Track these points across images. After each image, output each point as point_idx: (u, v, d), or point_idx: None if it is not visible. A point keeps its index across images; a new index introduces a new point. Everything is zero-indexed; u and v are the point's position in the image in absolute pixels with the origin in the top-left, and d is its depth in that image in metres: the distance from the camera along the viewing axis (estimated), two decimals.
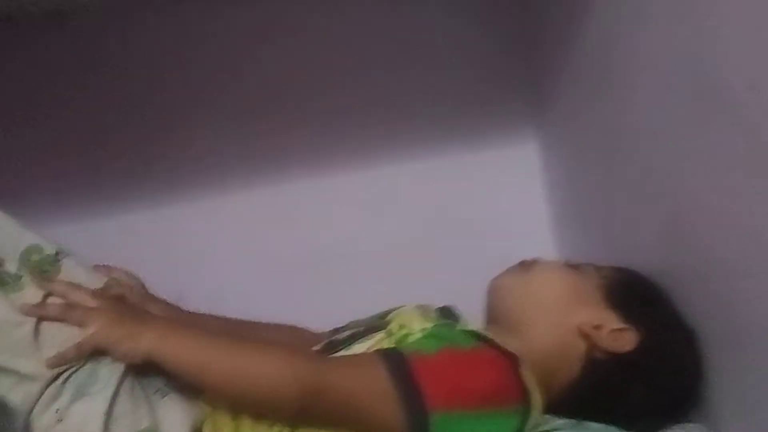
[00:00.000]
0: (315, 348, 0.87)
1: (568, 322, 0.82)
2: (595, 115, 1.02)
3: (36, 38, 1.17)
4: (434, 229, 1.22)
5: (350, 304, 0.91)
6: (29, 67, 1.18)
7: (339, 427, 0.73)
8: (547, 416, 0.78)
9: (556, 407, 0.79)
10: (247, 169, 1.23)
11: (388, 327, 0.82)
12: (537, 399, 0.75)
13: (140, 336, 0.71)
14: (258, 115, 1.22)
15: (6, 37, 1.14)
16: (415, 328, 0.80)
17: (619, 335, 0.81)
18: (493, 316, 0.89)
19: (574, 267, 0.89)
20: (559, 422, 0.79)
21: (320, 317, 0.94)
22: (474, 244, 1.20)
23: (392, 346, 0.78)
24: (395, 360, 0.73)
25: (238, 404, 0.74)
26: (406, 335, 0.79)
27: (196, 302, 0.93)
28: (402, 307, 0.88)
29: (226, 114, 1.22)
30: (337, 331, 0.92)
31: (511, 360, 0.74)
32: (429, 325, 0.80)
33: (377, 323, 0.86)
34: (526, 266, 0.90)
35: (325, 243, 1.22)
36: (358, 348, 0.81)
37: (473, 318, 0.88)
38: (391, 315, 0.88)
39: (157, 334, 0.72)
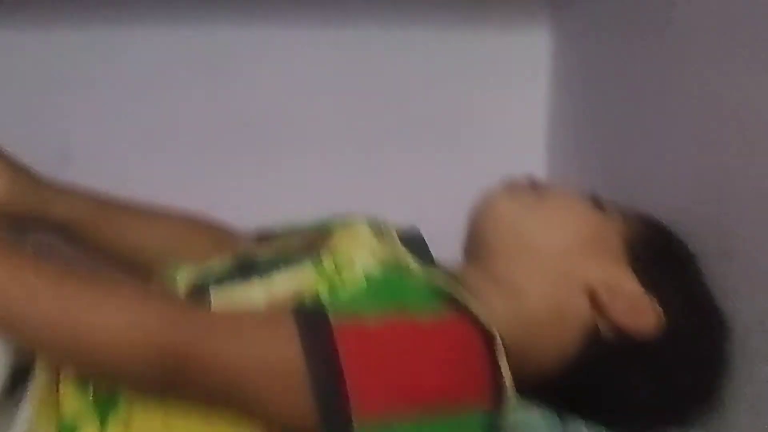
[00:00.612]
0: (220, 260, 0.63)
1: (576, 274, 0.62)
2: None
3: None
4: (410, 111, 1.00)
5: (292, 197, 0.78)
6: None
7: (222, 412, 0.51)
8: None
9: (527, 389, 0.59)
10: None
11: (320, 258, 0.59)
12: (511, 396, 0.54)
13: None
14: None
15: None
16: (358, 265, 0.57)
17: (637, 305, 0.61)
18: (475, 249, 0.67)
19: (597, 204, 0.68)
20: (529, 415, 0.61)
21: (246, 210, 0.74)
22: (456, 136, 0.99)
23: (319, 293, 0.55)
24: (316, 329, 0.49)
25: (72, 366, 0.52)
26: (343, 278, 0.56)
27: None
28: (350, 220, 0.68)
29: None
30: (263, 236, 0.71)
31: (487, 341, 0.52)
32: (377, 265, 0.57)
33: (311, 242, 0.65)
34: (538, 191, 0.68)
35: (266, 110, 0.98)
36: (281, 279, 0.58)
37: (447, 252, 0.65)
38: (333, 229, 0.66)
39: None
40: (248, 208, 0.76)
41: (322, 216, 0.70)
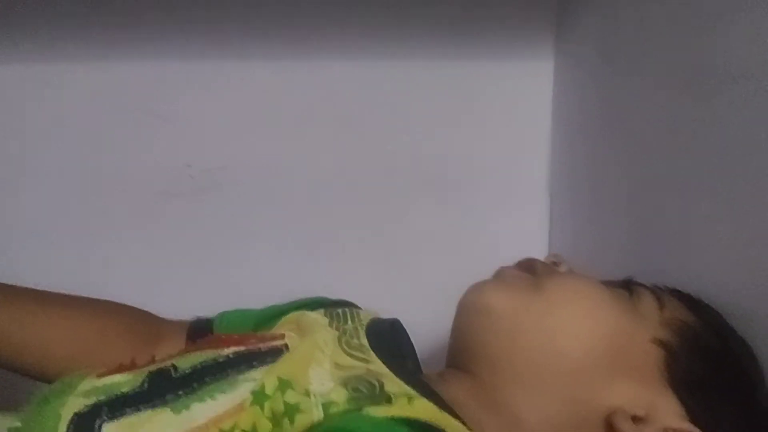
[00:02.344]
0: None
1: (590, 397, 0.48)
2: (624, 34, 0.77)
3: None
4: (406, 146, 0.94)
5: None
6: None
7: None
8: None
9: None
10: None
11: (260, 381, 0.45)
12: None
13: None
14: None
15: None
16: (312, 398, 0.43)
17: None
18: (462, 356, 0.53)
19: (618, 287, 0.54)
20: None
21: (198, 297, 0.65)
22: (448, 178, 0.94)
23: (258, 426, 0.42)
24: None
25: None
26: (293, 410, 0.43)
27: None
28: (305, 315, 0.56)
29: None
30: (199, 330, 0.60)
31: None
32: (337, 390, 0.44)
33: (253, 344, 0.50)
34: (536, 276, 0.55)
35: (226, 153, 0.89)
36: (200, 409, 0.44)
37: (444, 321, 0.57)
38: (281, 325, 0.55)
39: None
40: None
41: (274, 304, 0.62)
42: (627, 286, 0.55)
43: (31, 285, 0.57)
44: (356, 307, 0.60)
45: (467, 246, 0.90)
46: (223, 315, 0.62)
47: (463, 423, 0.44)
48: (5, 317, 0.52)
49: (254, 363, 0.47)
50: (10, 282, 0.55)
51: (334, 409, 0.43)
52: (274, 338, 0.51)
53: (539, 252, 0.90)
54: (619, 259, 0.76)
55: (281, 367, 0.46)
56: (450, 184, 0.93)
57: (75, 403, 0.45)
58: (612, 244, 0.79)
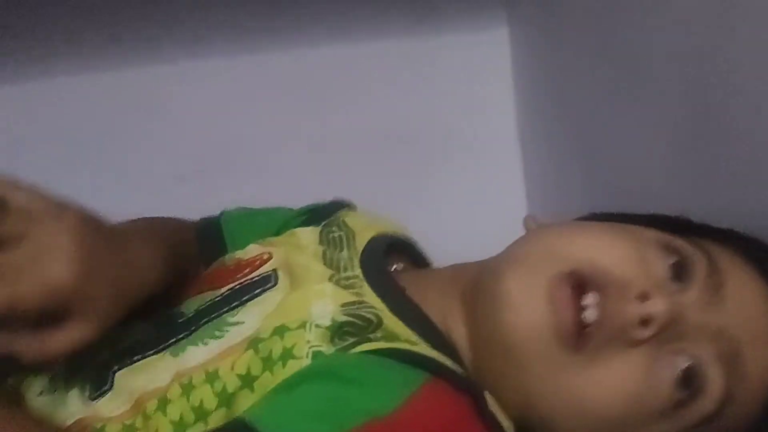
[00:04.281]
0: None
1: None
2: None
3: None
4: (369, 126, 0.97)
5: None
6: None
7: None
8: None
9: None
10: None
11: (259, 329, 0.46)
12: (508, 426, 0.47)
13: None
14: None
15: None
16: (307, 340, 0.45)
17: None
18: (484, 348, 0.48)
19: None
20: None
21: None
22: (421, 151, 0.97)
23: (254, 374, 0.44)
24: None
25: None
26: (286, 356, 0.44)
27: None
28: (298, 224, 0.57)
29: None
30: (206, 236, 0.61)
31: (472, 395, 0.44)
32: (328, 316, 0.46)
33: (257, 273, 0.51)
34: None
35: (228, 138, 0.94)
36: (194, 353, 0.46)
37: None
38: (279, 239, 0.55)
39: None
40: None
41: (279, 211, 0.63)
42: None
43: None
44: (352, 211, 0.60)
45: (449, 204, 0.93)
46: (230, 220, 0.63)
47: (457, 362, 0.46)
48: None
49: (245, 299, 0.49)
50: None
51: (321, 359, 0.44)
52: (263, 262, 0.52)
53: (517, 203, 0.95)
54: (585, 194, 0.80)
55: (279, 313, 0.48)
56: (427, 150, 0.97)
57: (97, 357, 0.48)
58: (579, 183, 0.83)
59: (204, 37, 0.95)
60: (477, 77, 0.99)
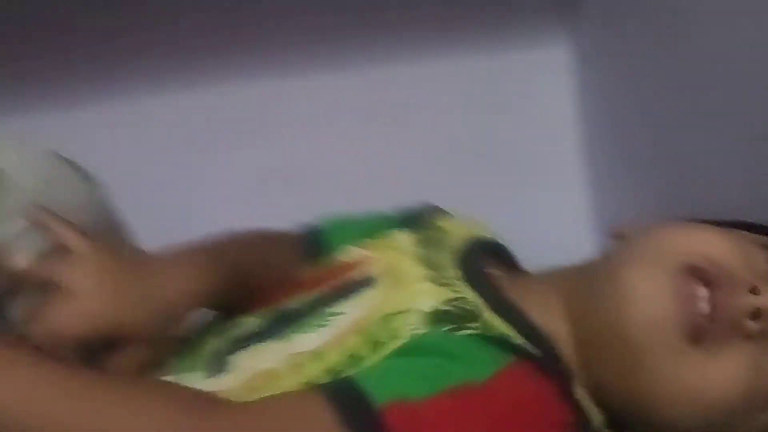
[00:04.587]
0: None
1: None
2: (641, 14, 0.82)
3: None
4: (446, 142, 1.02)
5: None
6: None
7: None
8: None
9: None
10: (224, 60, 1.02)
11: (364, 317, 0.51)
12: (596, 419, 0.51)
13: None
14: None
15: None
16: (410, 323, 0.49)
17: None
18: (595, 344, 0.51)
19: None
20: None
21: None
22: (489, 166, 1.01)
23: (362, 355, 0.49)
24: (360, 418, 0.42)
25: None
26: (391, 337, 0.49)
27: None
28: (394, 227, 0.62)
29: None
30: (312, 246, 0.66)
31: (559, 383, 0.47)
32: (430, 305, 0.50)
33: (357, 272, 0.56)
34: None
35: (312, 154, 1.01)
36: (302, 340, 0.52)
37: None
38: (377, 242, 0.60)
39: None
40: None
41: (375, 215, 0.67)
42: None
43: None
44: (447, 217, 0.64)
45: (515, 220, 0.97)
46: (332, 229, 0.68)
47: (550, 352, 0.50)
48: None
49: (348, 294, 0.55)
50: None
51: (425, 336, 0.49)
52: (363, 263, 0.58)
53: (582, 215, 0.98)
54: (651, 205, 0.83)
55: (382, 305, 0.52)
56: (496, 164, 1.01)
57: (210, 343, 0.56)
58: (644, 195, 0.86)
59: (283, 58, 1.01)
60: (541, 93, 1.03)
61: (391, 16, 1.00)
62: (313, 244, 0.67)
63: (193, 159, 1.02)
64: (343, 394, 0.44)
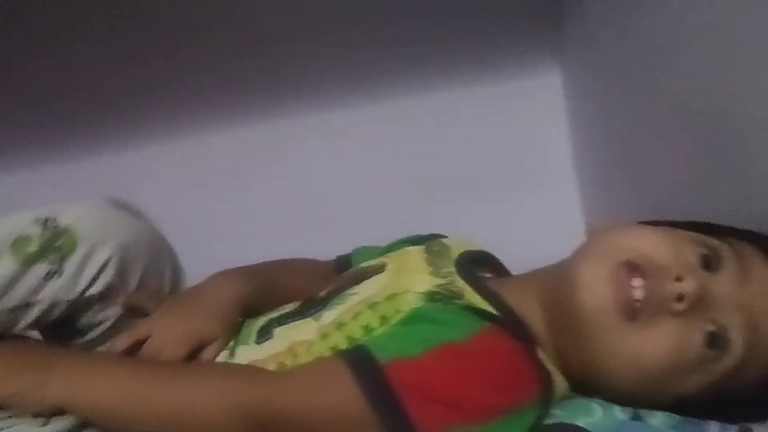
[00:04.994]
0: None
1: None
2: (623, 33, 0.93)
3: None
4: (448, 167, 1.15)
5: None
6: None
7: None
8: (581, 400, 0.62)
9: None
10: (243, 103, 1.16)
11: (374, 295, 0.65)
12: (560, 383, 0.62)
13: (44, 386, 0.59)
14: (257, 43, 1.13)
15: None
16: (409, 300, 0.62)
17: None
18: (559, 322, 0.63)
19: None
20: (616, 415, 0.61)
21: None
22: (493, 185, 1.14)
23: (373, 327, 0.62)
24: (369, 374, 0.55)
25: None
26: (395, 312, 0.62)
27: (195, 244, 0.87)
28: (408, 245, 0.74)
29: (218, 48, 1.13)
30: (341, 266, 0.81)
31: (524, 346, 0.59)
32: (424, 296, 0.63)
33: (366, 272, 0.70)
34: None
35: (329, 183, 1.14)
36: (328, 315, 0.66)
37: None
38: (392, 254, 0.73)
39: (66, 380, 0.59)
40: None
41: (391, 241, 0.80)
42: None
43: None
44: (445, 238, 0.76)
45: (519, 225, 1.08)
46: (358, 252, 0.83)
47: (520, 324, 0.61)
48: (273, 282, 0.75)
49: (362, 280, 0.69)
50: None
51: (417, 310, 0.62)
52: (378, 265, 0.71)
53: (575, 223, 1.06)
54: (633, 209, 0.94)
55: (389, 286, 0.66)
56: (497, 182, 1.14)
57: (261, 320, 0.70)
58: (628, 201, 0.96)
59: (312, 95, 1.15)
60: (534, 117, 1.16)
61: (398, 57, 1.14)
62: (342, 263, 0.82)
63: (229, 193, 1.15)
64: (356, 357, 0.57)
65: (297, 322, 0.67)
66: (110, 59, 1.12)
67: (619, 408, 0.60)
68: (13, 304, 0.63)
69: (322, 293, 0.71)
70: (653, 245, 0.61)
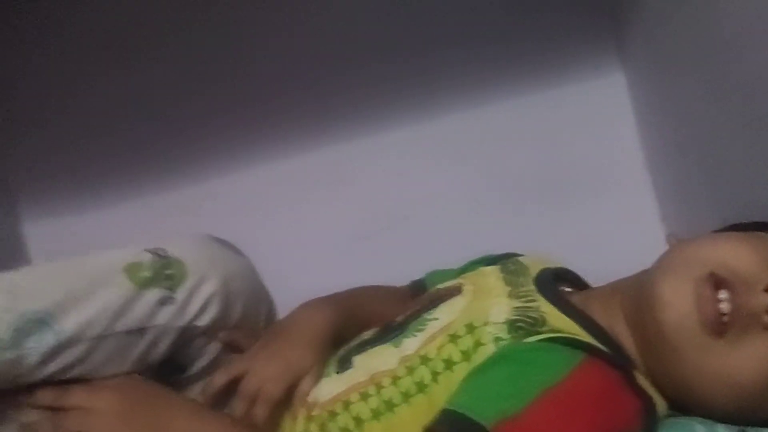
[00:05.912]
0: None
1: None
2: (689, 25, 0.88)
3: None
4: (514, 179, 1.13)
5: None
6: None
7: None
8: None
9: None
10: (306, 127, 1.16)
11: (454, 322, 0.63)
12: (660, 405, 0.60)
13: None
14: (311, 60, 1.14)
15: None
16: (490, 332, 0.60)
17: None
18: (646, 340, 0.61)
19: None
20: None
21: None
22: (565, 193, 1.11)
23: (455, 361, 0.60)
24: None
25: None
26: (476, 345, 0.60)
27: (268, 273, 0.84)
28: (483, 266, 0.73)
29: (278, 71, 1.15)
30: (416, 290, 0.81)
31: (623, 374, 0.57)
32: (506, 326, 0.60)
33: (444, 295, 0.70)
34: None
35: (401, 200, 1.13)
36: (408, 343, 0.64)
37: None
38: (467, 274, 0.73)
39: None
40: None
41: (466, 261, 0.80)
42: None
43: None
44: (521, 256, 0.76)
45: (595, 232, 1.06)
46: (432, 274, 0.83)
47: (614, 347, 0.59)
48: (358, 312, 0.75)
49: (438, 303, 0.68)
50: None
51: (501, 343, 0.59)
52: (455, 286, 0.70)
53: (653, 226, 1.07)
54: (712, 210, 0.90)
55: (466, 313, 0.64)
56: (569, 189, 1.11)
57: (340, 350, 0.70)
58: (706, 202, 0.93)
59: (374, 116, 1.14)
60: (600, 120, 1.12)
61: (455, 71, 1.13)
62: (417, 287, 0.82)
63: (297, 219, 1.14)
64: (460, 427, 0.53)
65: (376, 349, 0.67)
66: (178, 92, 1.15)
67: (723, 426, 0.57)
68: (128, 328, 0.62)
69: (400, 318, 0.71)
70: (738, 255, 0.59)
